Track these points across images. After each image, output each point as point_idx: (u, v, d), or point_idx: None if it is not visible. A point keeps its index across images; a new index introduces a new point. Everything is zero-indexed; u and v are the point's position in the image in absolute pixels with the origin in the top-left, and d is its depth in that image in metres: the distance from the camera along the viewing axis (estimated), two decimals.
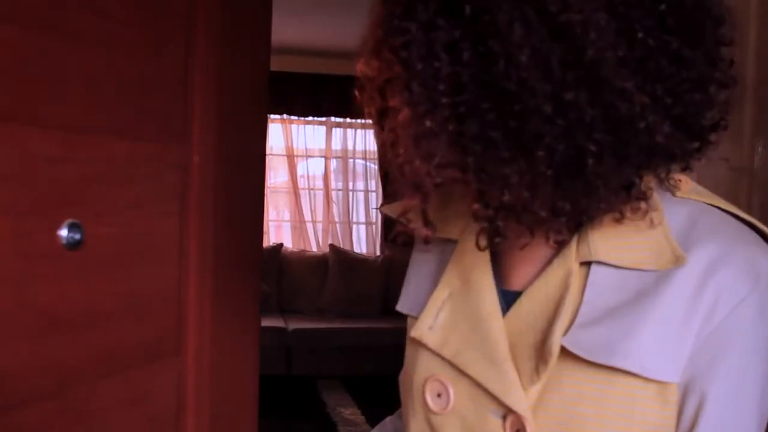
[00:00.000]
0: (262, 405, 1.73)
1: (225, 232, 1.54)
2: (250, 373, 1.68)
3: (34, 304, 1.18)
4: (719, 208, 0.72)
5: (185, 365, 1.47)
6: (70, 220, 1.22)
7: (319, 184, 6.45)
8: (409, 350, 0.84)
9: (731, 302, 0.66)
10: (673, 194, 0.72)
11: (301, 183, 6.38)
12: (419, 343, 0.79)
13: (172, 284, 1.44)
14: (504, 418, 0.71)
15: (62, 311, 1.23)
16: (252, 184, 1.68)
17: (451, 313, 0.78)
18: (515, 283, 0.76)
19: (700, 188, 0.75)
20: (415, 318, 0.82)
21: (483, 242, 0.71)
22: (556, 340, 0.68)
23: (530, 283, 0.74)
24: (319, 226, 6.44)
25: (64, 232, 1.22)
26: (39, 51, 1.15)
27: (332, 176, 6.45)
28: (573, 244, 0.72)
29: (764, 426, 0.69)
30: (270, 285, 5.78)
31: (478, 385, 0.73)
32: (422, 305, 0.81)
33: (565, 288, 0.70)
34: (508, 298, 0.75)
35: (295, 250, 6.23)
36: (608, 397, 0.67)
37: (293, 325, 5.49)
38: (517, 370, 0.71)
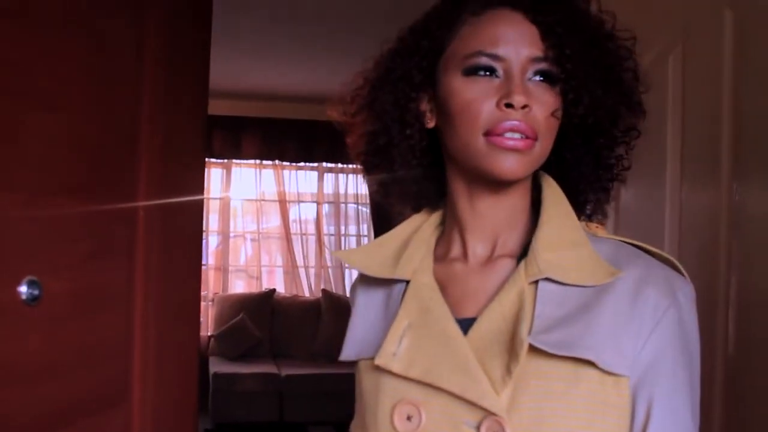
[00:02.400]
0: None
1: (167, 281, 1.60)
2: (190, 416, 1.74)
3: None
4: (630, 243, 0.89)
5: (131, 412, 1.52)
6: (29, 277, 1.25)
7: (311, 228, 6.50)
8: (367, 383, 0.90)
9: (657, 314, 0.80)
10: (595, 235, 0.90)
11: (293, 228, 6.42)
12: (382, 372, 0.86)
13: (120, 334, 1.49)
14: (478, 428, 0.79)
15: (20, 365, 1.26)
16: (191, 233, 1.76)
17: (414, 339, 0.86)
18: (468, 312, 0.87)
19: (609, 233, 0.93)
20: (368, 359, 0.89)
21: None
22: (524, 338, 0.79)
23: (482, 309, 0.85)
24: (312, 271, 6.46)
25: (23, 288, 1.25)
26: (1, 117, 1.21)
27: (324, 221, 6.50)
28: (521, 269, 0.85)
29: (697, 414, 0.83)
30: (262, 330, 5.78)
31: (452, 397, 0.81)
32: (373, 346, 0.89)
33: (519, 304, 0.82)
34: (463, 325, 0.85)
35: (288, 295, 6.25)
36: (573, 392, 0.78)
37: (286, 371, 5.48)
38: (488, 378, 0.80)
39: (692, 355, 0.83)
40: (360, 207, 6.56)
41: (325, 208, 6.53)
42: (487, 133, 0.83)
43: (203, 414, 4.91)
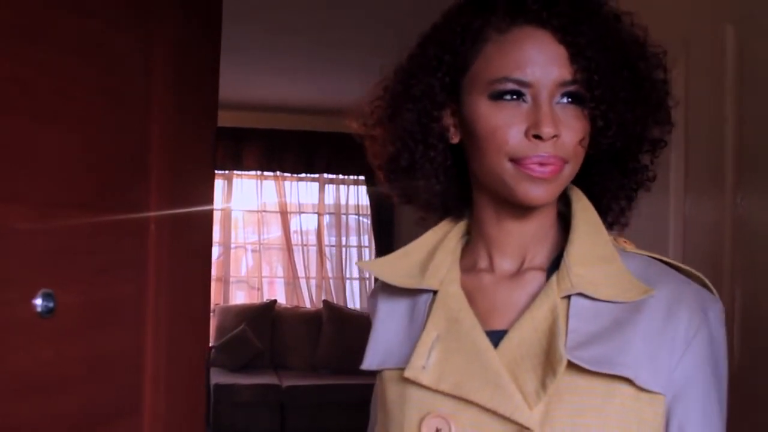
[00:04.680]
0: None
1: (177, 293, 1.62)
2: (200, 428, 1.76)
3: (9, 371, 1.23)
4: (659, 259, 0.88)
5: (142, 424, 1.53)
6: (44, 290, 1.27)
7: (312, 239, 6.51)
8: (392, 394, 0.89)
9: (689, 334, 0.80)
10: (624, 250, 0.89)
11: (294, 239, 6.43)
12: (408, 383, 0.85)
13: (131, 346, 1.51)
14: None
15: (34, 376, 1.28)
16: (201, 245, 1.77)
17: (443, 351, 0.85)
18: (497, 324, 0.86)
19: (638, 248, 0.91)
20: (392, 369, 0.89)
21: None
22: (563, 353, 0.78)
23: (513, 322, 0.84)
24: (313, 282, 6.47)
25: (38, 301, 1.27)
26: (13, 131, 1.23)
27: (325, 232, 6.51)
28: (553, 283, 0.85)
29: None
30: (263, 341, 5.78)
31: (483, 411, 0.80)
32: (398, 356, 0.89)
33: (553, 318, 0.82)
34: (492, 337, 0.84)
35: (289, 306, 6.25)
36: (608, 408, 0.78)
37: (287, 382, 5.47)
38: (520, 392, 0.79)
39: (722, 374, 0.83)
40: (361, 218, 6.57)
41: (326, 218, 6.54)
42: (514, 160, 0.82)
43: None
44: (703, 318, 0.82)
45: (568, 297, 0.83)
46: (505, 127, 0.81)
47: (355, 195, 6.51)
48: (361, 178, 6.34)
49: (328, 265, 6.48)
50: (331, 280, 6.48)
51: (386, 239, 6.17)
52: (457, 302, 0.88)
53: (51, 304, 1.27)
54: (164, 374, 1.58)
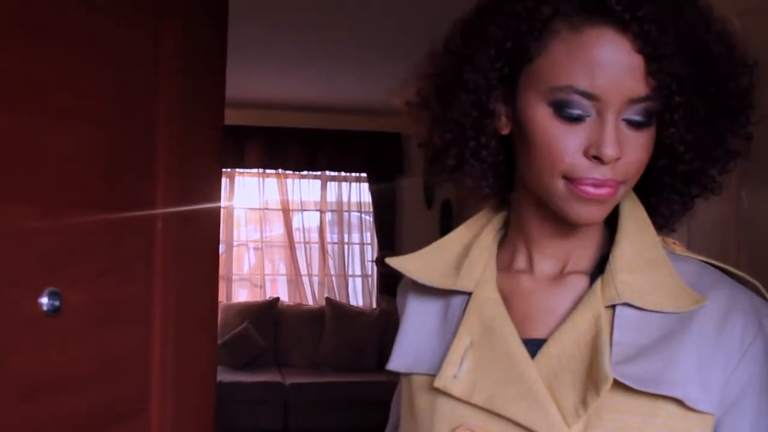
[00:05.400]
0: None
1: (185, 292, 1.61)
2: (208, 428, 1.75)
3: (16, 370, 1.23)
4: (713, 264, 0.82)
5: (150, 423, 1.52)
6: (50, 288, 1.27)
7: (315, 237, 6.51)
8: (421, 402, 0.82)
9: (744, 346, 0.74)
10: (673, 252, 0.82)
11: (297, 236, 6.43)
12: (440, 393, 0.79)
13: (138, 345, 1.50)
14: None
15: (41, 376, 1.27)
16: (208, 242, 1.77)
17: (476, 360, 0.79)
18: (535, 332, 0.80)
19: (688, 250, 0.84)
20: (422, 375, 0.83)
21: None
22: (608, 371, 0.71)
23: (553, 330, 0.78)
24: (315, 280, 6.47)
25: (45, 300, 1.27)
26: (21, 128, 1.23)
27: (327, 229, 6.51)
28: (597, 290, 0.78)
29: None
30: (266, 339, 5.78)
31: (518, 426, 0.75)
32: (429, 361, 0.83)
33: (596, 330, 0.75)
34: (530, 346, 0.78)
35: (291, 303, 6.25)
36: (649, 428, 0.72)
37: (290, 380, 5.48)
38: (558, 408, 0.74)
39: None
40: (363, 215, 6.57)
41: (328, 216, 6.54)
42: (568, 178, 0.74)
43: None
44: (759, 329, 0.75)
45: (613, 306, 0.77)
46: (563, 143, 0.73)
47: (357, 192, 6.50)
48: (363, 175, 6.34)
49: (331, 263, 6.48)
50: (333, 278, 6.48)
51: (388, 236, 6.18)
52: (493, 307, 0.81)
53: (57, 303, 1.27)
54: (172, 374, 1.58)
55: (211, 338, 1.76)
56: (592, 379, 0.73)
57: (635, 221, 0.81)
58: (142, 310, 1.52)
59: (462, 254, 0.86)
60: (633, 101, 0.72)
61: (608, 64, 0.70)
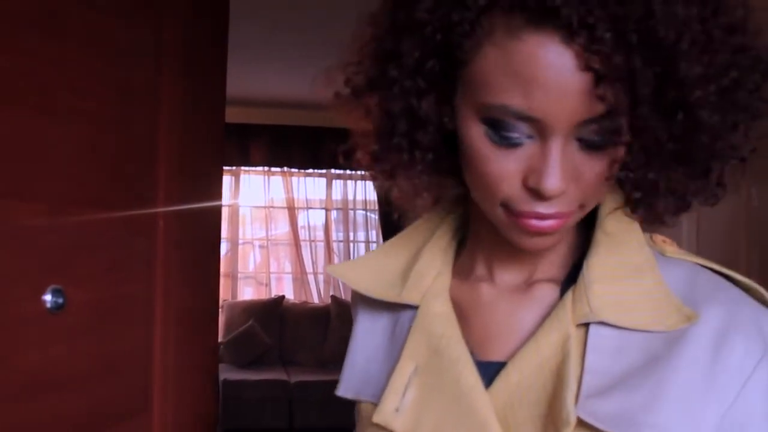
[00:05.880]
0: None
1: (186, 290, 1.62)
2: (210, 426, 1.75)
3: (19, 367, 1.23)
4: (709, 268, 0.68)
5: (151, 421, 1.53)
6: (53, 286, 1.27)
7: (320, 235, 6.51)
8: None
9: (745, 371, 0.61)
10: (663, 253, 0.68)
11: (302, 234, 6.43)
12: (384, 430, 0.68)
13: (140, 343, 1.51)
14: None
15: (44, 374, 1.27)
16: (210, 241, 1.77)
17: (421, 390, 0.67)
18: (494, 353, 0.67)
19: (683, 250, 0.70)
20: (367, 403, 0.72)
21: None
22: (570, 410, 0.59)
23: (515, 351, 0.65)
24: (321, 278, 6.47)
25: (48, 297, 1.27)
26: (24, 127, 1.22)
27: (333, 227, 6.51)
28: (567, 304, 0.64)
29: None
30: (271, 337, 5.79)
31: None
32: (375, 386, 0.72)
33: (563, 354, 0.62)
34: (488, 370, 0.66)
35: (297, 302, 6.26)
36: None
37: (295, 378, 5.48)
38: None
39: None
40: (369, 213, 6.57)
41: (334, 214, 6.54)
42: (508, 208, 0.61)
43: None
44: (764, 348, 0.62)
45: (587, 324, 0.63)
46: (498, 170, 0.59)
47: (363, 190, 6.50)
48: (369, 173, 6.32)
49: (336, 261, 6.48)
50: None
51: (394, 234, 6.16)
52: (442, 324, 0.68)
53: (60, 300, 1.27)
54: (173, 372, 1.58)
55: (212, 336, 1.77)
56: (552, 417, 0.60)
57: (617, 219, 0.68)
58: (143, 308, 1.53)
59: (412, 260, 0.74)
60: (584, 122, 0.57)
61: (549, 83, 0.55)
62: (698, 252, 1.64)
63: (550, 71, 0.55)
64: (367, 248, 6.57)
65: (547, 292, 0.68)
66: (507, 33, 0.56)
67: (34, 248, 1.25)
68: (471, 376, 0.65)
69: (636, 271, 0.65)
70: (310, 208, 6.50)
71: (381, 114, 0.66)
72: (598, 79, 0.54)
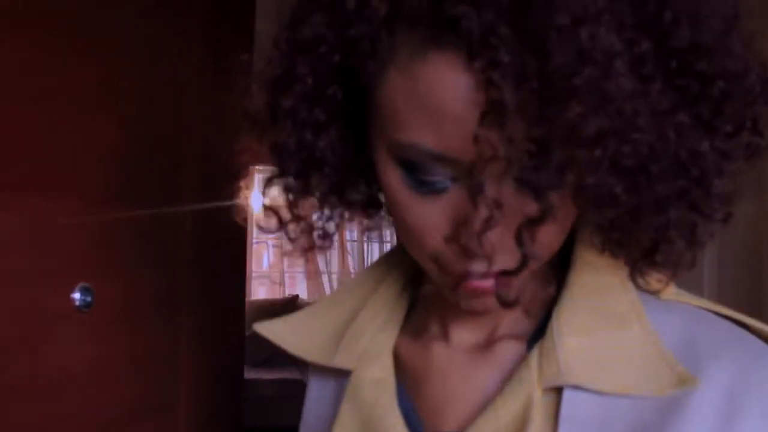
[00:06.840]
0: None
1: (213, 287, 1.62)
2: (235, 424, 1.75)
3: (48, 365, 1.23)
4: (712, 312, 0.54)
5: (177, 419, 1.54)
6: (82, 283, 1.28)
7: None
8: None
9: None
10: (658, 297, 0.53)
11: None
12: None
13: (166, 340, 1.52)
14: None
15: (73, 370, 1.28)
16: (236, 238, 1.78)
17: None
18: (448, 423, 0.55)
19: (680, 289, 0.55)
20: None
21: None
22: None
23: (469, 422, 0.53)
24: (334, 277, 6.48)
25: (77, 295, 1.28)
26: (54, 124, 1.23)
27: (347, 227, 6.50)
28: (531, 363, 0.51)
29: None
30: None
31: None
32: None
33: (522, 425, 0.50)
34: None
35: (310, 301, 6.26)
36: None
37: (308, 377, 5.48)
38: None
39: None
40: (383, 213, 6.56)
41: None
42: (439, 265, 0.49)
43: None
44: None
45: (560, 389, 0.50)
46: (421, 222, 0.47)
47: None
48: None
49: (350, 260, 6.48)
50: (352, 275, 6.49)
51: None
52: (375, 392, 0.57)
53: (89, 298, 1.28)
54: (199, 370, 1.58)
55: (238, 333, 1.77)
56: None
57: (595, 256, 0.53)
58: (170, 306, 1.53)
59: (350, 317, 0.62)
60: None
61: (459, 114, 0.42)
62: (720, 255, 1.60)
63: (458, 100, 0.42)
64: (381, 248, 6.56)
65: (512, 351, 0.54)
66: (410, 53, 0.44)
67: (64, 246, 1.26)
68: None
69: (618, 320, 0.52)
70: None
71: (276, 152, 0.55)
72: (493, 113, 0.40)
